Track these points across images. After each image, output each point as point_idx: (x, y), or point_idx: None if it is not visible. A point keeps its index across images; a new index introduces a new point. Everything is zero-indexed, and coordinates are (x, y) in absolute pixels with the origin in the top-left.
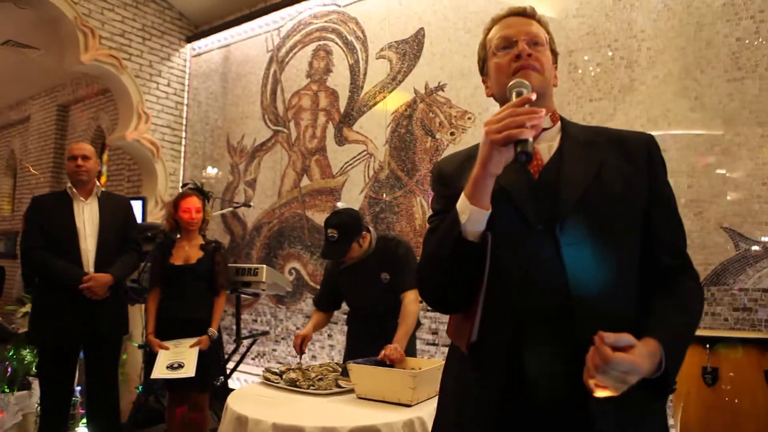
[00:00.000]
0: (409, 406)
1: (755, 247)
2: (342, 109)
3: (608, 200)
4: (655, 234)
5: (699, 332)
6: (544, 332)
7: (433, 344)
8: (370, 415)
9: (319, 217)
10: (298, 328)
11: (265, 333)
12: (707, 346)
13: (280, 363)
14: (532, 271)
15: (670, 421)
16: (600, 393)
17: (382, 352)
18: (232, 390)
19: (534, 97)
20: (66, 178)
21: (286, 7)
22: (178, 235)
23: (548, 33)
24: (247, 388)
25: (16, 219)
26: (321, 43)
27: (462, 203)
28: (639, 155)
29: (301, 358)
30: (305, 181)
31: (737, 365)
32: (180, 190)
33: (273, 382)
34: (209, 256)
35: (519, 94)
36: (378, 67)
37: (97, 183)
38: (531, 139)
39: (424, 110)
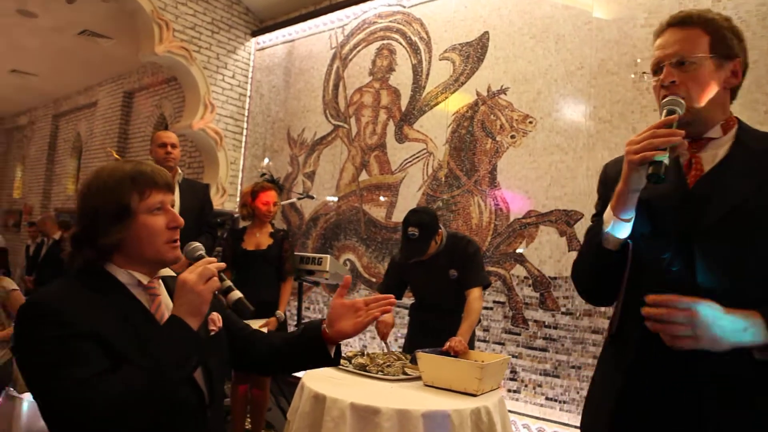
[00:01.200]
0: (474, 395)
1: None
2: (403, 108)
3: (747, 224)
4: None
5: None
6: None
7: (484, 341)
8: (439, 401)
9: (376, 212)
10: None
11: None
12: None
13: None
14: (664, 280)
15: None
16: (676, 344)
17: (447, 344)
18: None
19: (676, 117)
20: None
21: (351, 6)
22: (248, 222)
23: (711, 33)
24: (318, 370)
25: None
26: (385, 42)
27: (607, 213)
28: None
29: (387, 345)
30: (363, 176)
31: None
32: (236, 179)
33: (343, 366)
34: (278, 244)
35: (670, 113)
36: (441, 68)
37: (179, 170)
38: (666, 161)
39: (485, 112)
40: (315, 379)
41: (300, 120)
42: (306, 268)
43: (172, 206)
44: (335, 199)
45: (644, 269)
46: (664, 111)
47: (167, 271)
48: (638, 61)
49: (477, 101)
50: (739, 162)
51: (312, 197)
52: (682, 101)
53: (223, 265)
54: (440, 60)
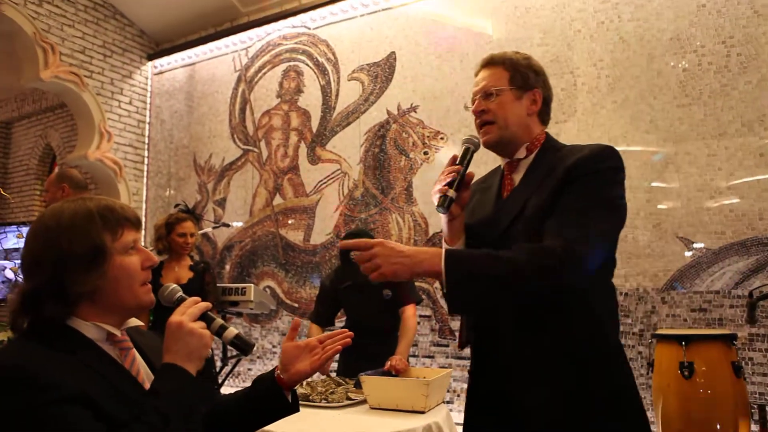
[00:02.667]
0: (422, 412)
1: (706, 254)
2: (314, 129)
3: (527, 227)
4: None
5: (674, 331)
6: (485, 338)
7: (414, 356)
8: (390, 423)
9: (293, 235)
10: (274, 347)
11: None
12: (683, 343)
13: None
14: None
15: (650, 414)
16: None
17: (388, 363)
18: None
19: (456, 157)
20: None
21: (254, 27)
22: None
23: (510, 69)
24: None
25: None
26: (291, 63)
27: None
28: (565, 170)
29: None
30: (278, 200)
31: (708, 359)
32: (148, 211)
33: None
34: (199, 277)
35: (465, 150)
36: (350, 88)
37: None
38: (449, 195)
39: (397, 130)
40: None
41: (206, 145)
42: (229, 299)
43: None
44: (240, 224)
45: None
46: (463, 148)
47: (133, 321)
48: (465, 104)
49: (388, 120)
50: (530, 176)
51: (228, 225)
52: (476, 139)
53: (209, 305)
54: (349, 80)
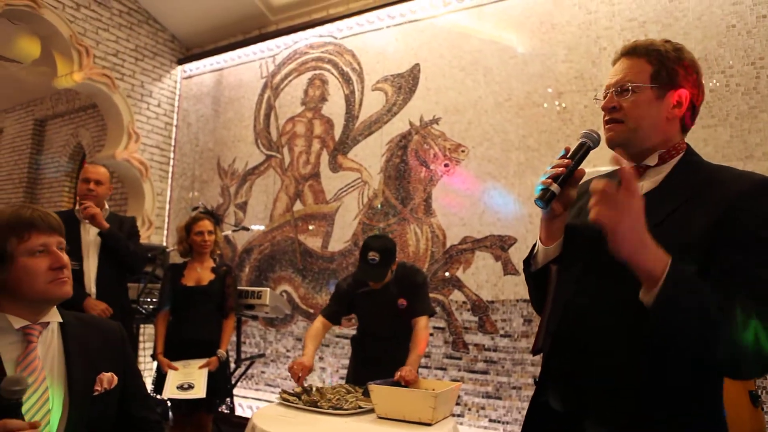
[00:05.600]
0: (429, 425)
1: None
2: (337, 137)
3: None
4: None
5: None
6: (564, 349)
7: (426, 367)
8: None
9: (312, 242)
10: (288, 351)
11: (261, 355)
12: None
13: (269, 385)
14: (570, 302)
15: None
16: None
17: (398, 374)
18: (232, 413)
19: (568, 150)
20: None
21: (282, 36)
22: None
23: (654, 63)
24: (267, 409)
25: None
26: (316, 72)
27: (538, 239)
28: (719, 204)
29: (301, 387)
30: (298, 206)
31: (725, 388)
32: (160, 210)
33: (292, 403)
34: (220, 279)
35: (579, 145)
36: (373, 98)
37: (106, 206)
38: (551, 189)
39: (418, 142)
40: (266, 419)
41: (230, 150)
42: (245, 303)
43: (60, 248)
44: (261, 227)
45: (558, 293)
46: (579, 141)
47: (53, 316)
48: (595, 96)
49: (410, 131)
50: (665, 191)
51: (247, 229)
52: (596, 135)
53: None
54: (373, 90)
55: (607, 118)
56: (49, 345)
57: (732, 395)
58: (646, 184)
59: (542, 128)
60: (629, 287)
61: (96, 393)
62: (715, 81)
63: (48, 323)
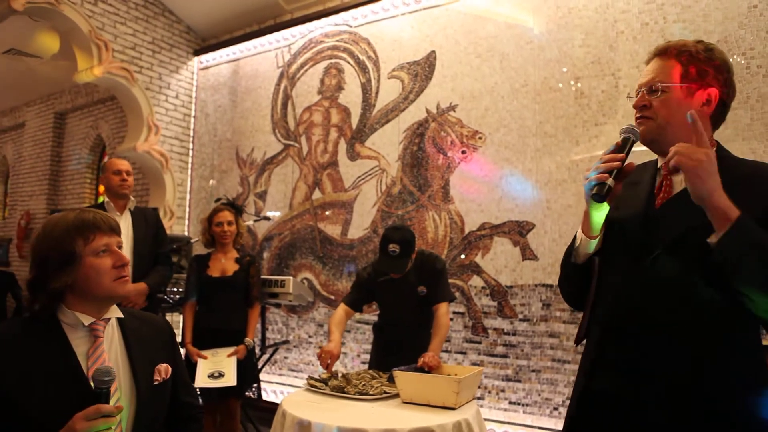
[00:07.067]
0: (453, 409)
1: None
2: (354, 126)
3: (691, 253)
4: None
5: None
6: (617, 337)
7: (447, 351)
8: (421, 418)
9: (331, 229)
10: (310, 336)
11: (285, 342)
12: None
13: (292, 370)
14: (620, 293)
15: None
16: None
17: (421, 360)
18: (260, 399)
19: (629, 142)
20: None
21: (297, 25)
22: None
23: (684, 62)
24: (296, 395)
25: (8, 226)
26: (332, 61)
27: (579, 230)
28: (760, 199)
29: (333, 375)
30: (317, 194)
31: None
32: (180, 200)
33: (319, 389)
34: (244, 269)
35: (624, 140)
36: (390, 86)
37: (131, 198)
38: (608, 183)
39: (435, 129)
40: (295, 405)
41: (248, 139)
42: (269, 291)
43: (119, 247)
44: (277, 213)
45: (603, 284)
46: (622, 136)
47: (113, 312)
48: (628, 94)
49: (427, 118)
50: None
51: (268, 218)
52: (638, 129)
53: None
54: (389, 78)
55: (638, 115)
56: (111, 339)
57: None
58: (680, 180)
59: (559, 114)
60: (682, 278)
61: (156, 383)
62: (735, 62)
63: (109, 318)
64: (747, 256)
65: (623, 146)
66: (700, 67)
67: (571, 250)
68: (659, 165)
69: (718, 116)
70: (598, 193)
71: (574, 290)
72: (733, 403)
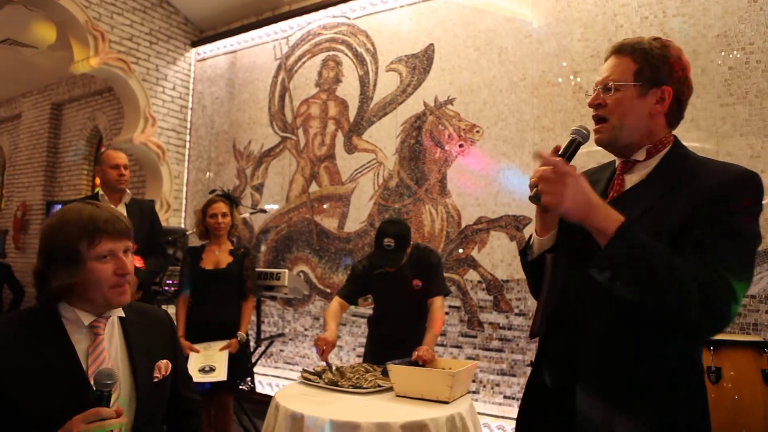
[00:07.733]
0: (446, 403)
1: None
2: (351, 118)
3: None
4: None
5: None
6: (559, 332)
7: (442, 345)
8: (415, 412)
9: (328, 223)
10: (306, 329)
11: (281, 335)
12: (711, 348)
13: (288, 363)
14: (563, 290)
15: None
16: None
17: (415, 353)
18: (253, 392)
19: (557, 150)
20: (58, 178)
21: (295, 17)
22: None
23: (639, 61)
24: (289, 388)
25: (4, 217)
26: (330, 53)
27: (534, 230)
28: (700, 193)
29: (328, 365)
30: (314, 187)
31: (738, 365)
32: (172, 192)
33: (314, 382)
34: (239, 261)
35: (570, 141)
36: (388, 79)
37: (127, 190)
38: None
39: (433, 122)
40: (289, 398)
41: (246, 132)
42: (264, 284)
43: (127, 251)
44: (274, 206)
45: (553, 280)
46: (570, 138)
47: (117, 312)
48: (586, 92)
49: (425, 111)
50: (650, 184)
51: (264, 211)
52: (586, 131)
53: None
54: (387, 71)
55: (593, 115)
56: (111, 336)
57: (745, 374)
58: (634, 178)
59: (557, 108)
60: None
61: (156, 380)
62: (732, 59)
63: (110, 316)
64: (622, 272)
65: (566, 148)
66: (654, 65)
67: (525, 248)
68: (616, 163)
69: (673, 114)
70: (534, 196)
71: (531, 285)
72: (664, 401)
